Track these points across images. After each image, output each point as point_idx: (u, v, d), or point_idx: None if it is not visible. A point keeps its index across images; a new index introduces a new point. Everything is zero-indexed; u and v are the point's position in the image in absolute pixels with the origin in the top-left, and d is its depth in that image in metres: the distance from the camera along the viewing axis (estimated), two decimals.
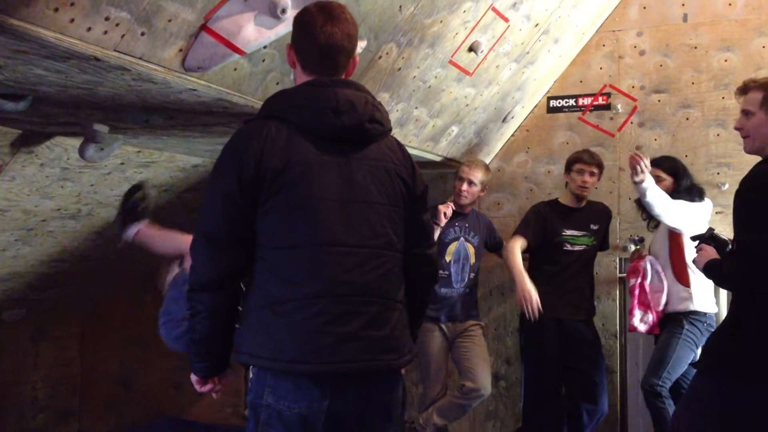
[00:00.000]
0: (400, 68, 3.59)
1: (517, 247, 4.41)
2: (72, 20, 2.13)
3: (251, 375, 2.13)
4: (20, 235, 4.72)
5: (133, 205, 3.01)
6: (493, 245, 4.77)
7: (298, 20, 2.23)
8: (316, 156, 2.11)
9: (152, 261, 6.35)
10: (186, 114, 3.20)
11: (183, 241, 2.88)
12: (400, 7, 3.21)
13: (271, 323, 2.06)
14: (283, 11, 2.57)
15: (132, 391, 6.45)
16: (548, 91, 5.18)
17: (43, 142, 3.91)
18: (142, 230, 3.00)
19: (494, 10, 3.85)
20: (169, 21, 2.39)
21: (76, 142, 4.01)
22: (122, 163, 4.46)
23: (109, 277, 6.22)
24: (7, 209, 4.33)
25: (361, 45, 3.12)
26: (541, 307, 4.27)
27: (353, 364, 2.06)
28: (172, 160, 4.77)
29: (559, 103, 5.13)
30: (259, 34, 2.59)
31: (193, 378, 2.29)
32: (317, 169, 2.10)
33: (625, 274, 4.81)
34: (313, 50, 2.18)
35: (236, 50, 2.58)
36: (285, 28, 2.63)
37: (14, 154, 3.84)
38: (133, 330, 6.47)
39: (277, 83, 3.05)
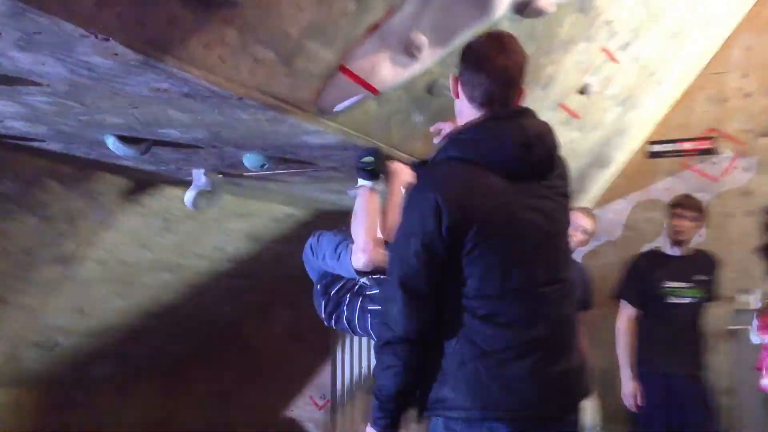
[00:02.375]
0: None
1: (625, 328, 4.24)
2: (221, 58, 2.09)
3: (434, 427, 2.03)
4: (116, 288, 4.70)
5: (365, 165, 2.92)
6: (581, 304, 4.14)
7: (469, 52, 2.11)
8: (513, 194, 1.99)
9: (237, 315, 6.34)
10: (302, 158, 3.14)
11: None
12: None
13: (482, 374, 1.96)
14: (419, 50, 2.50)
15: None
16: (649, 136, 5.03)
17: (148, 192, 3.90)
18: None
19: (606, 51, 3.75)
20: (310, 61, 2.34)
21: (180, 192, 3.99)
22: (222, 214, 4.44)
23: (194, 332, 6.17)
24: (106, 261, 4.32)
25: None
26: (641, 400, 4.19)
27: (566, 407, 2.03)
28: (268, 210, 4.73)
29: (661, 147, 4.98)
30: (395, 73, 2.52)
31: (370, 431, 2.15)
32: (518, 208, 2.00)
33: (734, 327, 4.57)
34: (485, 83, 2.06)
35: (371, 90, 2.52)
36: (420, 67, 2.56)
37: (120, 204, 3.83)
38: (215, 388, 6.38)
39: (401, 126, 2.98)
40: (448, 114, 3.16)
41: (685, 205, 4.26)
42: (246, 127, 2.62)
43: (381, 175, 2.98)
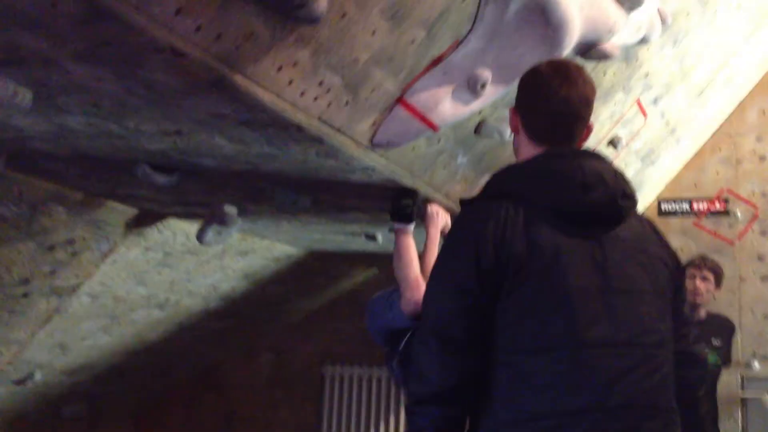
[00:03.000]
0: None
1: None
2: (290, 82, 1.92)
3: None
4: (104, 323, 4.43)
5: (402, 207, 2.82)
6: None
7: (528, 82, 1.93)
8: (563, 239, 1.75)
9: (218, 357, 6.07)
10: (337, 196, 2.97)
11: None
12: None
13: None
14: (483, 86, 2.36)
15: None
16: (660, 193, 4.95)
17: (154, 224, 3.68)
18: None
19: (638, 103, 3.67)
20: (372, 91, 2.18)
21: (186, 226, 3.78)
22: (223, 251, 4.22)
23: (169, 371, 5.88)
24: (99, 295, 4.06)
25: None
26: None
27: None
28: (270, 249, 4.53)
29: (672, 206, 4.89)
30: (455, 109, 2.37)
31: None
32: (567, 255, 1.74)
33: (747, 395, 4.44)
34: (546, 116, 1.87)
35: (430, 126, 2.36)
36: (480, 104, 2.42)
37: (125, 236, 3.60)
38: (192, 429, 6.07)
39: (444, 167, 2.83)
40: (492, 157, 3.04)
41: (701, 266, 4.15)
42: (292, 160, 2.44)
43: (416, 218, 2.85)
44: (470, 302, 1.72)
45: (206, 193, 3.05)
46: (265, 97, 1.89)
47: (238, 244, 4.23)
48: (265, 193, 2.98)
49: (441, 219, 2.88)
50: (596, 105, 3.31)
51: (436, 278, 1.83)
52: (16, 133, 2.29)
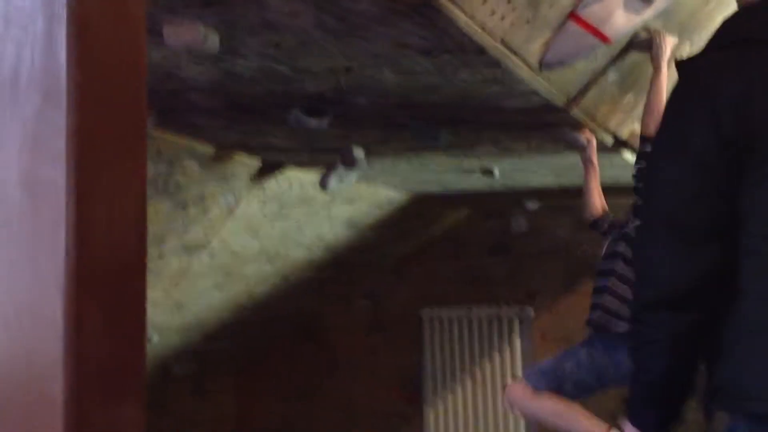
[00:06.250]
0: None
1: None
2: (484, 1, 1.83)
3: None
4: (218, 281, 4.44)
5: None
6: None
7: None
8: None
9: (310, 309, 6.09)
10: (477, 129, 2.89)
11: None
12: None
13: None
14: None
15: None
16: None
17: (274, 175, 3.64)
18: None
19: None
20: (551, 7, 2.08)
21: (302, 175, 3.74)
22: (332, 199, 4.18)
23: (271, 324, 5.92)
24: (217, 253, 4.05)
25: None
26: None
27: None
28: (374, 196, 4.48)
29: None
30: (628, 20, 2.27)
31: None
32: None
33: None
34: None
35: (604, 39, 2.26)
36: (652, 12, 2.31)
37: (249, 189, 3.57)
38: (294, 380, 6.12)
39: (595, 87, 2.73)
40: (639, 73, 2.92)
41: None
42: (452, 90, 2.36)
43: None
44: (709, 180, 1.41)
45: (338, 137, 2.99)
46: (461, 17, 1.80)
47: (346, 191, 4.18)
48: (402, 131, 2.91)
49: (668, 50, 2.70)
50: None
51: (660, 157, 1.49)
52: (177, 85, 2.24)
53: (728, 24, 1.47)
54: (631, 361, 1.54)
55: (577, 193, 3.30)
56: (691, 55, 1.56)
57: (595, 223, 3.03)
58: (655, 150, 1.51)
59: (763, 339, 1.38)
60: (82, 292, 0.60)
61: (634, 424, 1.55)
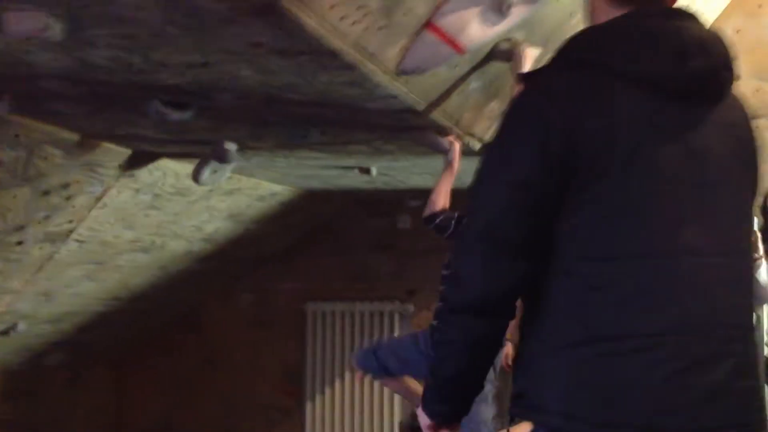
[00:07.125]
0: None
1: None
2: (332, 6, 1.86)
3: None
4: (89, 270, 4.34)
5: None
6: None
7: None
8: (654, 118, 1.41)
9: (191, 302, 6.01)
10: (346, 128, 2.93)
11: None
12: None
13: (595, 367, 1.39)
14: (509, 7, 2.33)
15: None
16: None
17: (146, 165, 3.59)
18: None
19: None
20: (406, 14, 2.14)
21: (177, 167, 3.70)
22: (210, 191, 4.15)
23: (150, 316, 5.82)
24: (87, 240, 3.96)
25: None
26: None
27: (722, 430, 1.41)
28: (255, 188, 4.47)
29: None
30: (483, 32, 2.35)
31: (424, 422, 1.68)
32: (657, 138, 1.41)
33: None
34: None
35: (458, 49, 2.34)
36: (506, 26, 2.39)
37: (118, 178, 3.50)
38: (174, 373, 6.04)
39: (458, 93, 2.81)
40: (502, 82, 3.02)
41: None
42: (313, 90, 2.39)
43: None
44: (529, 198, 1.41)
45: (209, 130, 2.98)
46: (309, 22, 1.83)
47: (225, 184, 4.16)
48: (271, 127, 2.92)
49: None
50: None
51: (489, 169, 1.48)
52: (28, 71, 2.18)
53: (571, 43, 1.49)
54: (431, 355, 1.62)
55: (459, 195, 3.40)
56: (535, 69, 1.61)
57: (428, 218, 3.14)
58: (484, 160, 1.48)
59: (565, 355, 1.42)
60: None
61: (426, 412, 1.62)
